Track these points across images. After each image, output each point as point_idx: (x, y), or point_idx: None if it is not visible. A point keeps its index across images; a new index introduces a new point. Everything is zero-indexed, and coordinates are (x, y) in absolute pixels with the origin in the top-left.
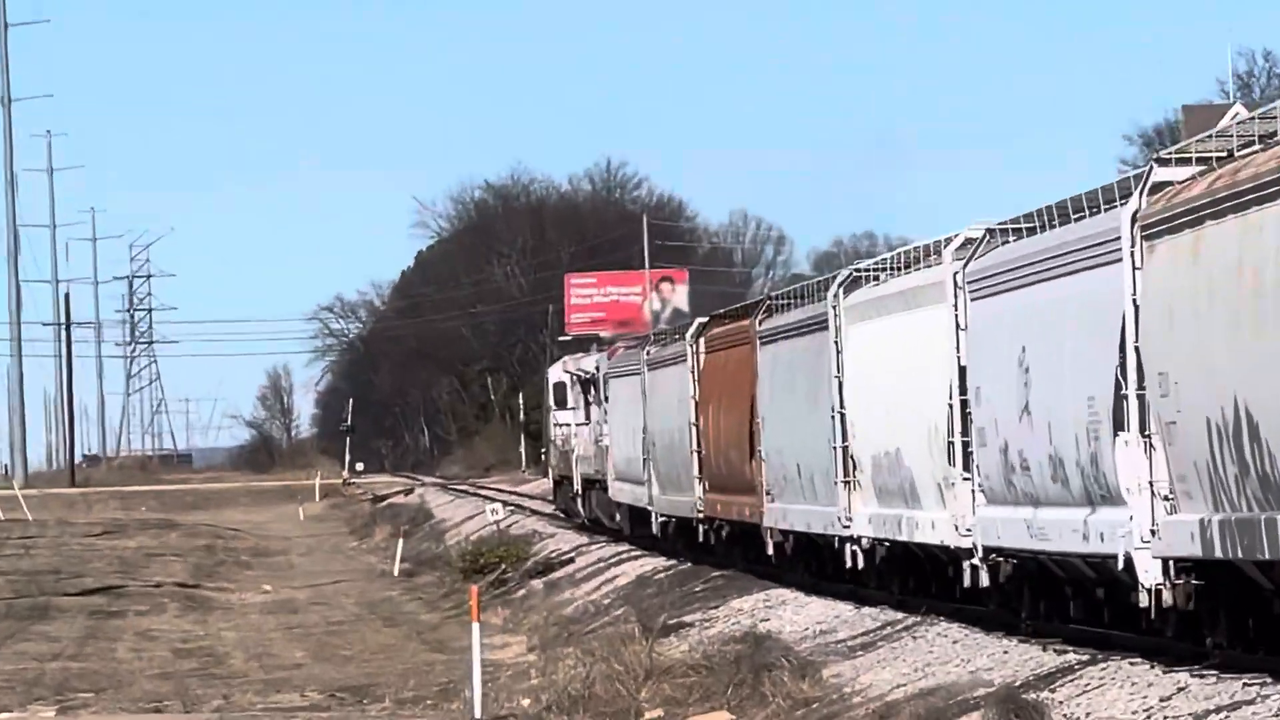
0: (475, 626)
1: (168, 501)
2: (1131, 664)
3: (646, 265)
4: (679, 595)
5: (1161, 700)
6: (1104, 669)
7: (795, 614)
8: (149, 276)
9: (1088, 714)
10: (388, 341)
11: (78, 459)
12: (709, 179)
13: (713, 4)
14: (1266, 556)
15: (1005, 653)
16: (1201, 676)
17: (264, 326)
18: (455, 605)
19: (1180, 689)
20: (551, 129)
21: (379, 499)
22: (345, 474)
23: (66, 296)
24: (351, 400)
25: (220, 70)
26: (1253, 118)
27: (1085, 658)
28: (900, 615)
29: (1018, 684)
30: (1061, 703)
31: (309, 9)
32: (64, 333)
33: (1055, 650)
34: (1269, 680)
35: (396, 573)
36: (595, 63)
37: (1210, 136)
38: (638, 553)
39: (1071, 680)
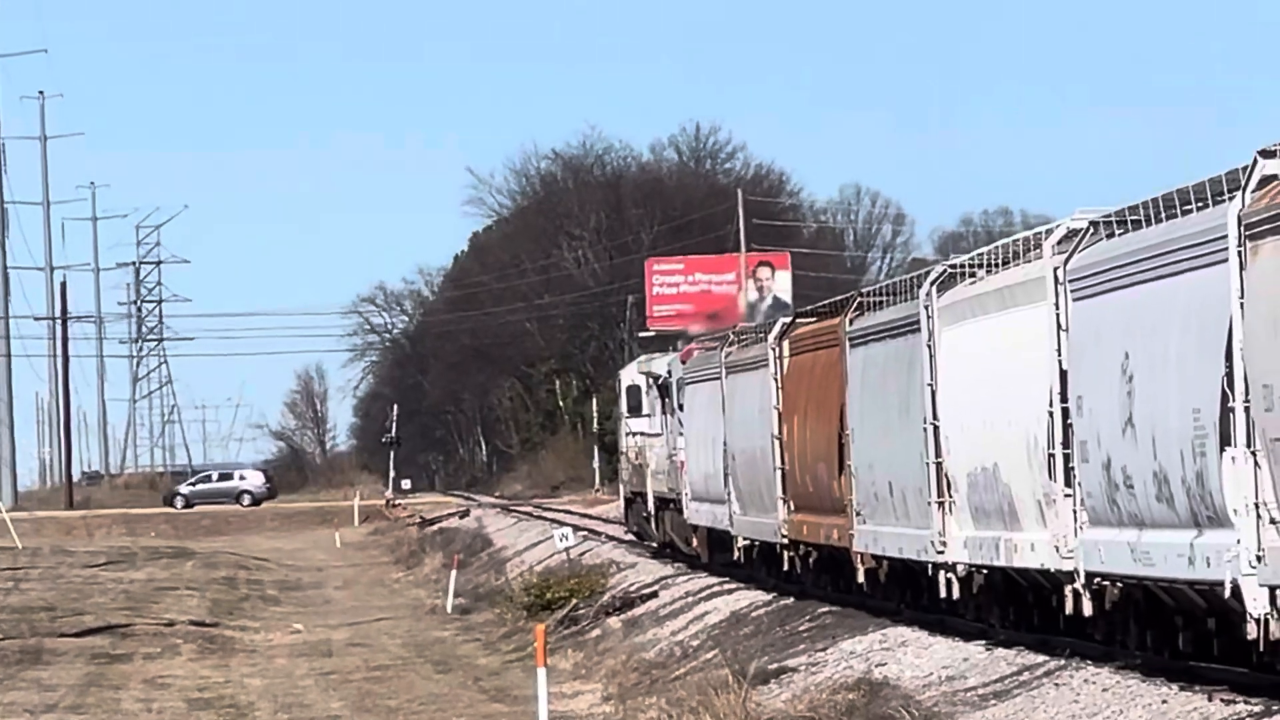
0: (541, 672)
1: (181, 526)
2: None
3: (742, 249)
4: (780, 635)
5: None
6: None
7: (916, 657)
8: (159, 262)
9: None
10: (439, 339)
11: (76, 476)
12: (815, 148)
13: None
14: None
15: (1164, 702)
16: None
17: (294, 321)
18: (518, 647)
19: None
20: (631, 88)
21: (428, 522)
22: (389, 494)
23: (63, 285)
24: (396, 407)
25: (241, 20)
26: None
27: (1258, 708)
28: (1040, 659)
29: None
30: None
31: None
32: (59, 327)
33: (1223, 700)
34: None
35: (449, 609)
36: (681, 9)
37: None
38: (732, 585)
39: None
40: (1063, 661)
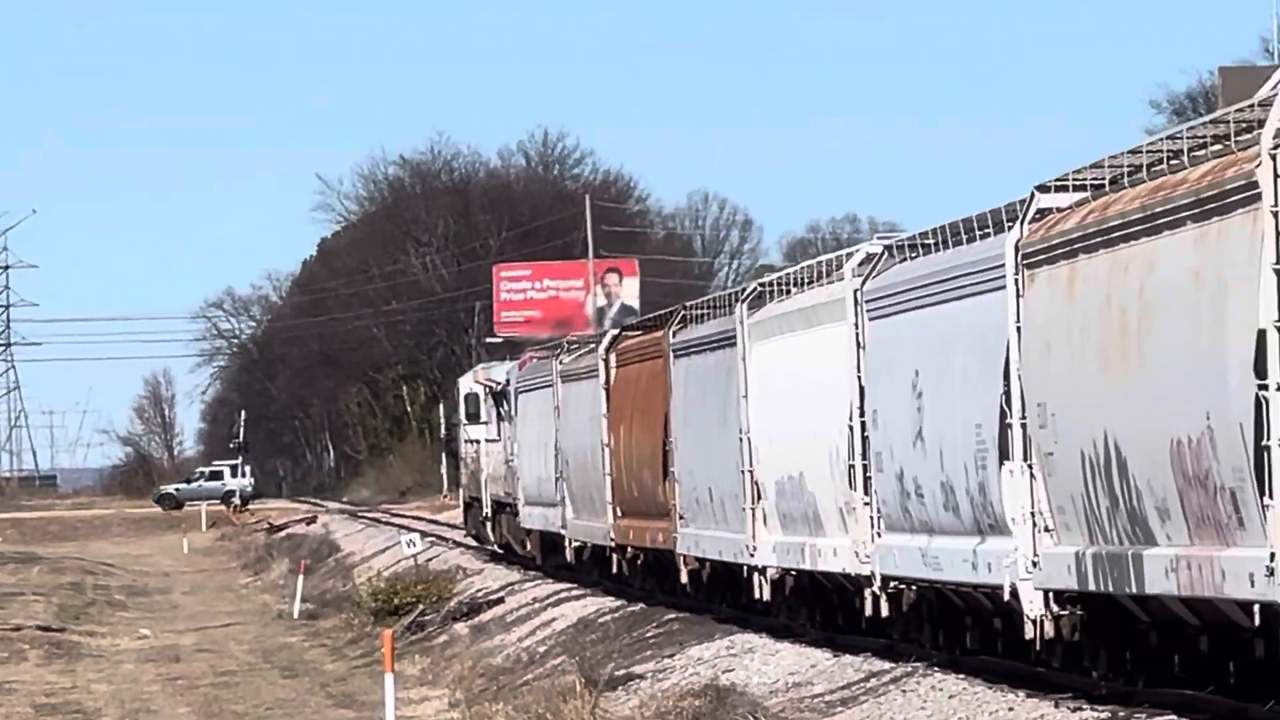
0: (389, 678)
1: (28, 531)
2: None
3: (590, 255)
4: (627, 642)
5: None
6: None
7: (763, 663)
8: (5, 268)
9: None
10: (286, 344)
11: None
12: (664, 155)
13: None
14: (1134, 590)
15: (1011, 710)
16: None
17: (141, 326)
18: (365, 653)
19: None
20: (479, 95)
21: (276, 528)
22: (235, 500)
23: None
24: (244, 413)
25: (86, 10)
26: (1162, 137)
27: (1104, 715)
28: (887, 665)
29: None
30: None
31: None
32: None
33: (1069, 708)
34: (1155, 712)
35: (296, 614)
36: (529, 15)
37: (1091, 166)
38: (579, 592)
39: None
40: (909, 668)
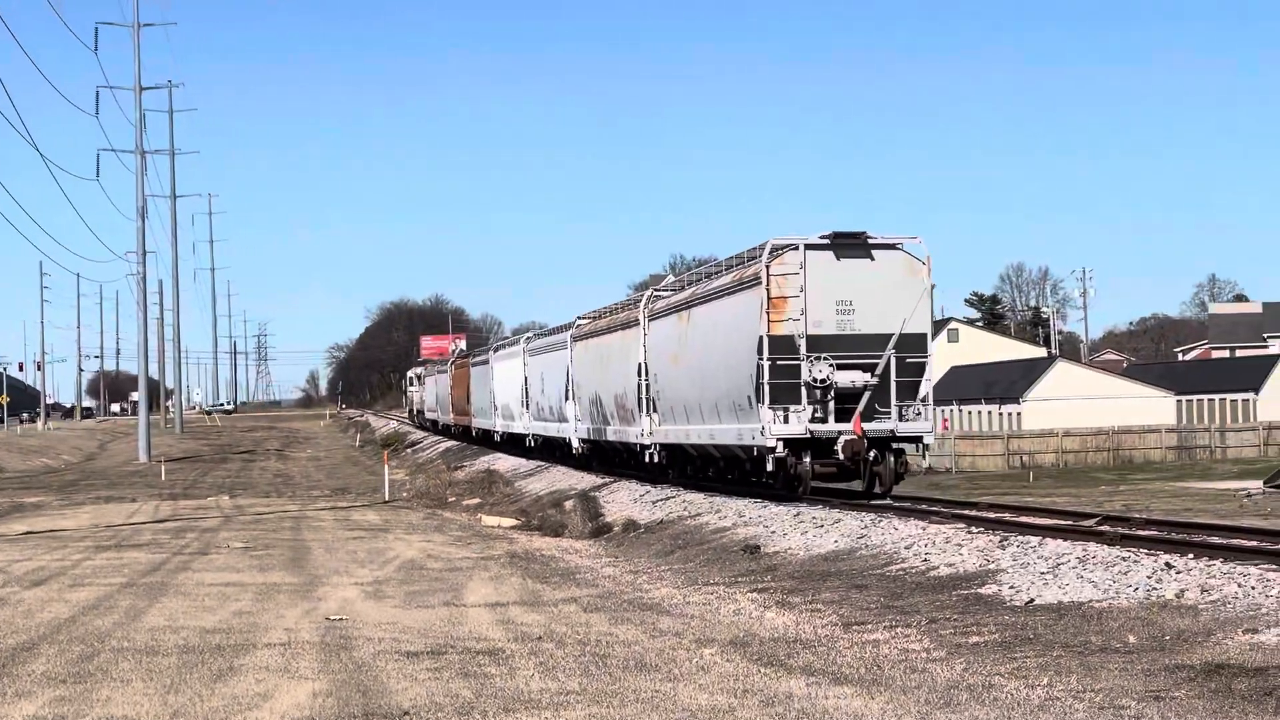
0: (385, 468)
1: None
2: (632, 481)
3: (450, 332)
4: (461, 455)
5: (640, 495)
6: (621, 484)
7: (505, 463)
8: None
9: (611, 499)
10: (369, 356)
11: None
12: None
13: None
14: (610, 439)
15: (583, 478)
16: (660, 487)
17: None
18: (377, 458)
19: (647, 491)
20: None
21: (351, 419)
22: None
23: None
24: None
25: None
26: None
27: (613, 480)
28: (544, 463)
29: (588, 489)
30: (604, 495)
31: None
32: None
33: (602, 477)
34: (681, 489)
35: (357, 444)
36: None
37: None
38: (448, 441)
39: (608, 487)
40: (548, 464)
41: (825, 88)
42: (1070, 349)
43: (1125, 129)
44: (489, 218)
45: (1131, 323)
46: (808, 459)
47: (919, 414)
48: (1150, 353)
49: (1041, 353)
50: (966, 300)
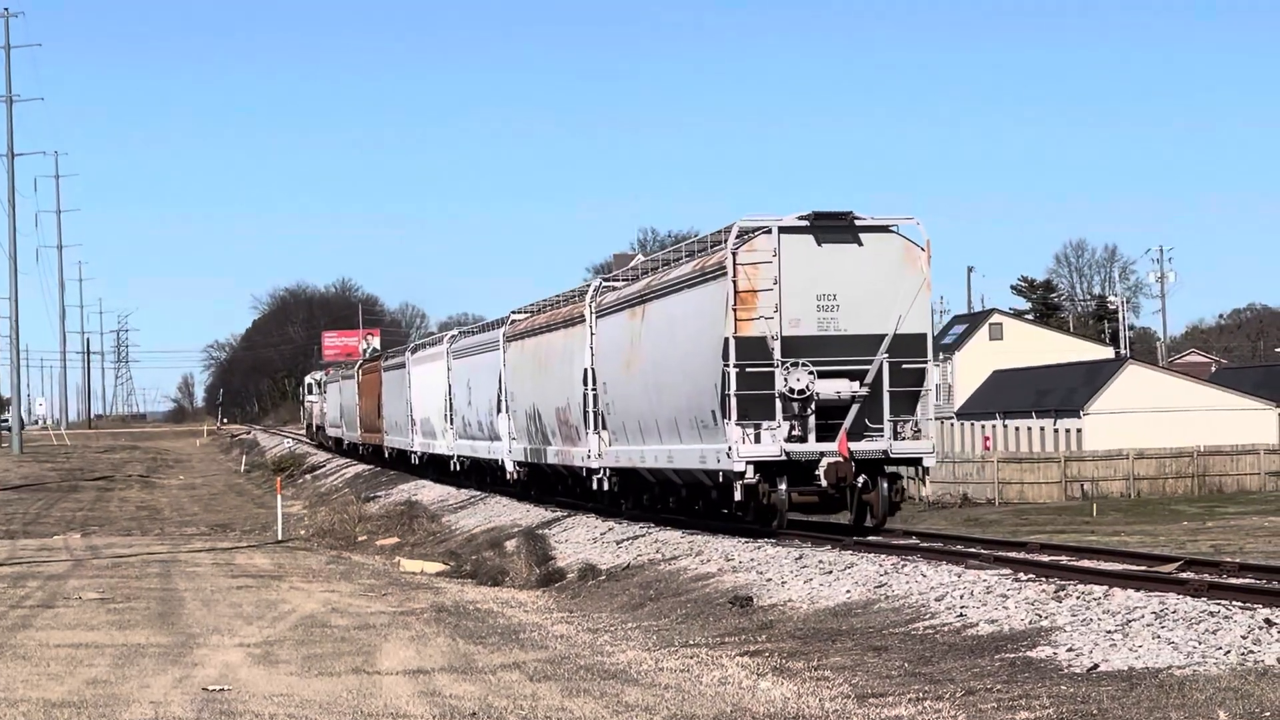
0: (279, 497)
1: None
2: (590, 515)
3: (361, 327)
4: (374, 481)
5: (601, 534)
6: (577, 519)
7: (430, 492)
8: None
9: (564, 539)
10: (251, 361)
11: None
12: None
13: None
14: (551, 461)
15: (528, 512)
16: (625, 524)
17: None
18: (270, 486)
19: (610, 529)
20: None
21: (234, 435)
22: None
23: None
24: (222, 390)
25: None
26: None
27: (565, 514)
28: (478, 492)
29: (534, 525)
30: (555, 533)
31: None
32: None
33: (552, 510)
34: (652, 526)
35: (242, 469)
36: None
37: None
38: (356, 464)
39: (559, 523)
40: (485, 494)
41: (834, 37)
42: (1144, 348)
43: (1209, 86)
44: (414, 190)
45: (1222, 316)
46: (783, 486)
47: (918, 431)
48: (1246, 353)
49: (1108, 353)
50: (1013, 287)
